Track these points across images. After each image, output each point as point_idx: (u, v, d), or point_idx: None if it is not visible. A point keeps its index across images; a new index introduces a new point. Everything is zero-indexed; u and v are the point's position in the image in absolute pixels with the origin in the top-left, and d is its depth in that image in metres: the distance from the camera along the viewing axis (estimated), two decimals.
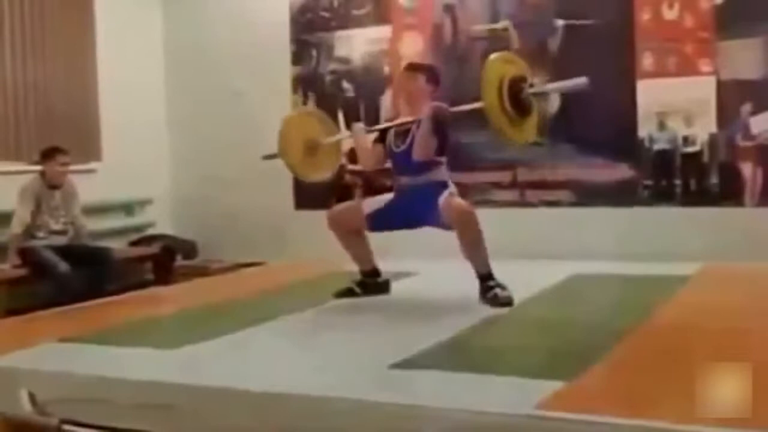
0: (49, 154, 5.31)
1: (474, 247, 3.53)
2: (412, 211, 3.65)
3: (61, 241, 5.31)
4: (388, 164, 3.88)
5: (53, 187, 5.31)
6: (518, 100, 3.39)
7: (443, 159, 3.69)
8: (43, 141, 5.70)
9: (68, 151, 5.40)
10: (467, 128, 5.73)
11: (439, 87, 3.80)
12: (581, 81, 3.47)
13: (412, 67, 3.91)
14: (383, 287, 3.93)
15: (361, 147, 3.92)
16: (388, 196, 3.82)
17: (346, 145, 4.50)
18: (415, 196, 3.65)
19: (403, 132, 3.72)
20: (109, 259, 5.37)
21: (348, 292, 3.86)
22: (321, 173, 4.05)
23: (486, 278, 3.56)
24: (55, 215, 5.31)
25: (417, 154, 3.61)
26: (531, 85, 3.47)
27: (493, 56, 3.44)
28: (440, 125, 3.58)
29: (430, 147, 3.59)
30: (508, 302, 3.48)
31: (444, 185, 3.64)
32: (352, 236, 3.85)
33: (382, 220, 3.75)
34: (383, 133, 3.87)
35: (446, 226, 3.54)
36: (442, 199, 3.54)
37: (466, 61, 5.93)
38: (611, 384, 2.37)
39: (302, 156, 3.92)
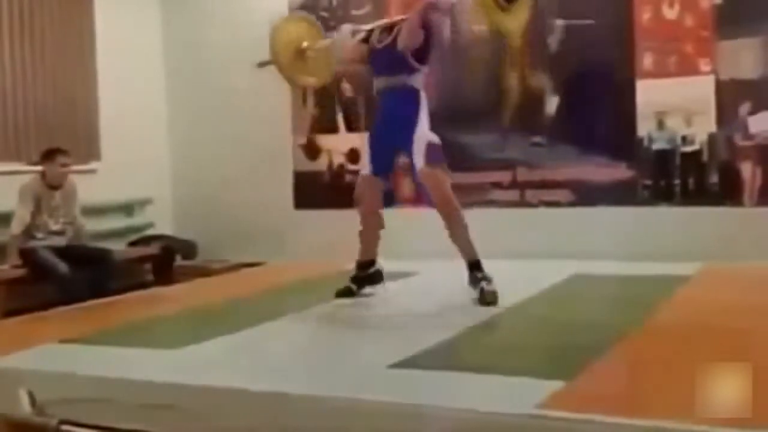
0: (49, 155, 5.31)
1: (455, 230, 3.61)
2: (391, 130, 3.65)
3: (60, 241, 5.31)
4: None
5: (53, 187, 5.31)
6: None
7: (424, 68, 3.66)
8: (42, 141, 5.71)
9: (69, 152, 5.39)
10: (467, 129, 5.77)
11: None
12: None
13: None
14: (376, 277, 3.91)
15: (339, 42, 3.86)
16: (367, 139, 3.82)
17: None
18: (390, 104, 3.66)
19: (389, 28, 3.70)
20: (109, 259, 5.38)
21: (348, 292, 3.85)
22: (311, 78, 4.04)
23: (473, 267, 3.62)
24: (54, 216, 5.31)
25: (401, 42, 3.55)
26: None
27: None
28: (430, 20, 3.58)
29: (416, 37, 3.54)
30: (492, 300, 3.49)
31: (417, 95, 3.63)
32: (370, 219, 3.83)
33: (379, 162, 3.73)
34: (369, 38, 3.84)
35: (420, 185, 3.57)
36: (420, 161, 3.55)
37: (465, 61, 5.92)
38: (612, 384, 2.37)
39: (293, 61, 3.89)
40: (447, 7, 3.69)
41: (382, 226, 3.87)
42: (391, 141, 3.70)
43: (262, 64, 4.04)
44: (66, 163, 5.33)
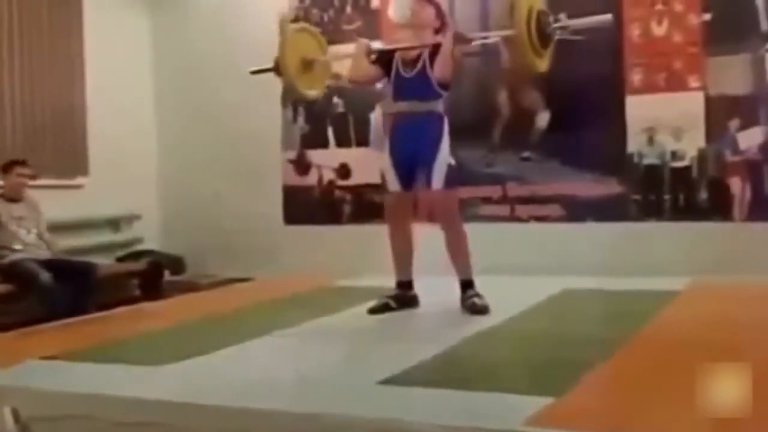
0: (7, 167, 5.28)
1: (457, 248, 3.74)
2: (417, 151, 3.71)
3: (44, 254, 5.26)
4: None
5: (13, 200, 5.27)
6: (542, 32, 3.57)
7: (446, 93, 3.76)
8: (30, 157, 5.66)
9: (28, 163, 5.36)
10: (458, 144, 5.76)
11: (445, 26, 3.83)
12: (606, 18, 3.61)
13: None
14: (415, 301, 3.93)
15: (357, 59, 3.93)
16: (386, 159, 3.83)
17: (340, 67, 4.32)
18: (417, 128, 3.72)
19: (412, 60, 3.78)
20: (93, 274, 5.31)
21: (384, 308, 3.83)
22: (312, 91, 4.09)
23: (466, 286, 3.73)
24: (24, 226, 5.25)
25: (438, 72, 3.66)
26: (557, 20, 3.66)
27: None
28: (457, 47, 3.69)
29: (449, 67, 3.66)
30: (484, 310, 3.63)
31: (442, 120, 3.73)
32: (401, 235, 3.88)
33: (406, 179, 3.78)
34: (385, 59, 3.88)
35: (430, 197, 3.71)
36: (439, 183, 3.64)
37: (457, 77, 5.91)
38: (601, 399, 2.35)
39: (298, 71, 3.95)
40: (469, 39, 3.87)
41: (411, 241, 3.91)
42: (415, 160, 3.76)
43: (256, 72, 4.07)
44: (24, 174, 5.29)
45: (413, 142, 3.72)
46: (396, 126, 3.83)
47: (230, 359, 3.01)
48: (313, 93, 4.11)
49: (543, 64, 3.70)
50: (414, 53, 3.78)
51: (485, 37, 4.14)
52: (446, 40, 3.65)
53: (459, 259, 3.76)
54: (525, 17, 3.45)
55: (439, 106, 3.76)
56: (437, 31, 3.79)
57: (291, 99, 6.30)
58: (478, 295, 3.72)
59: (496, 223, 5.82)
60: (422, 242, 4.28)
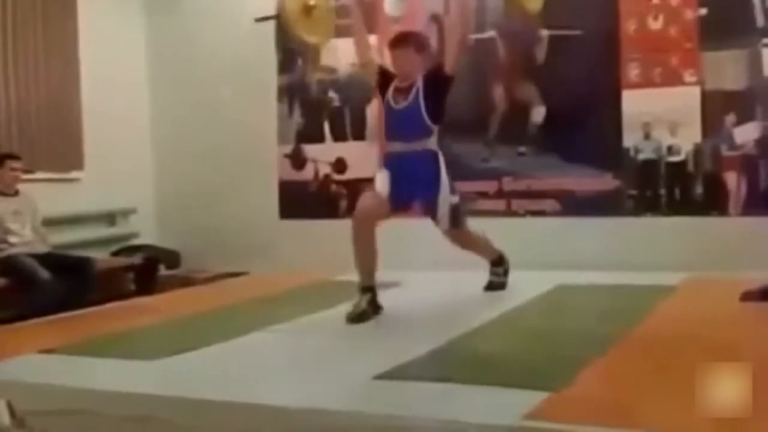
0: None
1: (482, 254, 4.07)
2: (413, 188, 3.62)
3: (40, 249, 5.25)
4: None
5: (7, 194, 5.25)
6: None
7: (436, 128, 3.63)
8: (26, 151, 5.64)
9: (20, 157, 5.34)
10: (454, 138, 5.76)
11: (428, 52, 3.77)
12: None
13: (398, 44, 3.73)
14: (379, 309, 3.65)
15: (360, 30, 3.97)
16: (386, 174, 3.63)
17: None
18: (407, 169, 3.57)
19: (405, 90, 3.62)
20: (89, 268, 5.30)
21: (364, 315, 3.52)
22: (313, 37, 4.14)
23: (493, 264, 4.12)
24: (20, 221, 5.23)
25: (449, 65, 3.59)
26: None
27: None
28: (446, 73, 3.61)
29: (459, 51, 3.68)
30: (499, 287, 4.05)
31: (436, 157, 3.62)
32: (370, 240, 3.58)
33: (395, 202, 3.62)
34: (384, 73, 3.77)
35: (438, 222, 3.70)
36: (446, 224, 3.64)
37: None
38: (597, 394, 2.35)
39: (299, 16, 4.08)
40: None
41: (376, 246, 3.62)
42: (411, 196, 3.69)
43: (261, 19, 4.11)
44: (15, 167, 5.28)
45: (410, 184, 3.59)
46: (395, 163, 3.64)
47: (225, 354, 3.01)
48: (313, 39, 4.14)
49: (533, 1, 3.68)
50: (408, 81, 3.63)
51: None
52: (456, 36, 3.63)
53: (478, 251, 4.03)
54: None
55: (432, 142, 3.61)
56: (425, 60, 3.68)
57: (292, 45, 6.12)
58: (498, 273, 4.04)
59: (492, 218, 5.81)
60: (418, 238, 4.28)
